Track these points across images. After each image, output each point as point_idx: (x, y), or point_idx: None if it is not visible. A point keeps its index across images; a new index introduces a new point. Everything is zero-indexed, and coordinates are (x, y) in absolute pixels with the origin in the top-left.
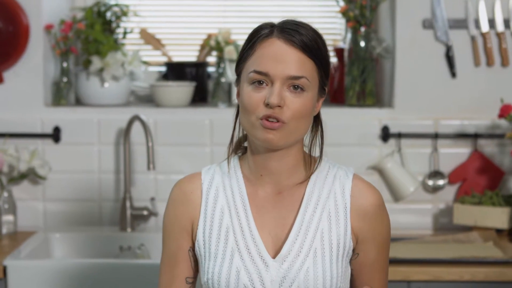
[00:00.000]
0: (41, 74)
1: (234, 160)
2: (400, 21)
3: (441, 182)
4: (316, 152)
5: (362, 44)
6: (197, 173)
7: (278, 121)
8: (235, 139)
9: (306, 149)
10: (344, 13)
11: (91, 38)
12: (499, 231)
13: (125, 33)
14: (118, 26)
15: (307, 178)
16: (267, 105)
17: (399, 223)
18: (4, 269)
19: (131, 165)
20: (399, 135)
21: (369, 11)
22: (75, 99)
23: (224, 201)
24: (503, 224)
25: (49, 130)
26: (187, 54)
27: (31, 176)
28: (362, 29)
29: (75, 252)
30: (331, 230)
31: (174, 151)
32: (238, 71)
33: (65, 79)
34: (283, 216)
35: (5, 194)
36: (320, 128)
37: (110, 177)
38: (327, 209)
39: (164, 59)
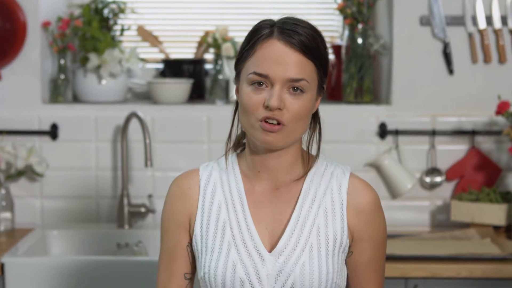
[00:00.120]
0: (38, 71)
1: (232, 157)
2: (398, 18)
3: (438, 179)
4: (314, 149)
5: (360, 41)
6: (195, 169)
7: (278, 123)
8: (233, 136)
9: (304, 146)
10: (342, 10)
11: (89, 35)
12: (496, 228)
13: (122, 30)
14: (115, 23)
15: (305, 174)
16: (267, 107)
17: (396, 220)
18: (2, 266)
19: (129, 162)
20: (397, 132)
21: (367, 8)
22: (73, 96)
23: (221, 196)
24: (500, 220)
25: (46, 127)
26: (185, 51)
27: (28, 173)
28: (360, 26)
29: (73, 249)
30: (327, 226)
31: (171, 148)
32: (238, 69)
33: (62, 76)
34: (279, 212)
35: (3, 191)
36: (318, 125)
37: (108, 174)
38: (324, 205)
39: (161, 56)
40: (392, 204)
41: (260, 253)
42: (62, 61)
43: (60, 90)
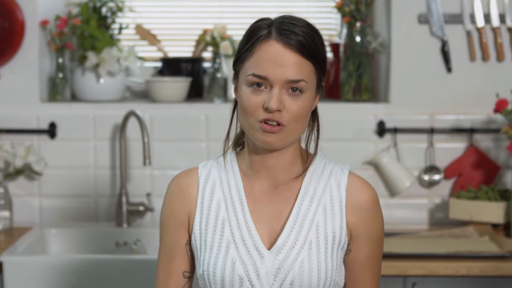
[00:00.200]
0: (36, 70)
1: (231, 155)
2: (396, 16)
3: (437, 177)
4: (312, 147)
5: (358, 39)
6: (194, 168)
7: (278, 124)
8: (231, 134)
9: (302, 144)
10: (340, 8)
11: (87, 34)
12: (494, 226)
13: (120, 28)
14: (113, 22)
15: (303, 172)
16: (266, 109)
17: (395, 218)
18: (0, 265)
19: (127, 160)
20: (395, 130)
21: (365, 6)
22: (71, 95)
23: (220, 194)
24: (498, 218)
25: (44, 126)
26: (183, 50)
27: (27, 172)
28: (358, 24)
29: (71, 248)
30: (326, 224)
31: (170, 146)
32: (236, 69)
33: (60, 75)
34: (279, 209)
35: (1, 190)
36: (316, 123)
37: (106, 172)
38: (323, 203)
39: (159, 55)
40: (390, 202)
41: (259, 251)
42: (60, 60)
43: (58, 88)
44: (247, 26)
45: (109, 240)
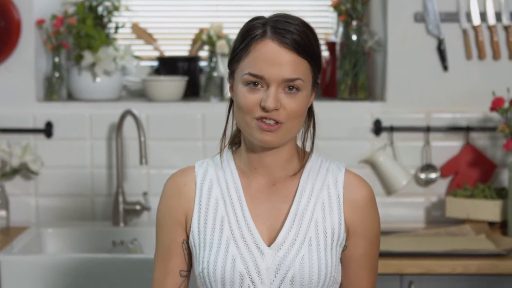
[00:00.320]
0: (32, 69)
1: (228, 154)
2: (392, 15)
3: (433, 175)
4: (308, 145)
5: (354, 37)
6: (190, 166)
7: (276, 122)
8: (228, 133)
9: (298, 142)
10: (336, 6)
11: (83, 33)
12: (491, 224)
13: (116, 27)
14: (109, 21)
15: (300, 170)
16: (263, 108)
17: (391, 216)
18: None
19: (124, 159)
20: (391, 129)
21: (361, 5)
22: (67, 94)
23: (218, 192)
24: (495, 216)
25: (41, 125)
26: (179, 49)
27: (23, 171)
28: (354, 22)
29: (68, 247)
30: (325, 220)
31: (166, 145)
32: (231, 69)
33: (57, 74)
34: (277, 207)
35: None
36: (312, 120)
37: (103, 172)
38: (321, 200)
39: (156, 54)
40: (387, 201)
41: (259, 247)
42: (56, 59)
43: (55, 88)
44: (244, 23)
45: (106, 239)
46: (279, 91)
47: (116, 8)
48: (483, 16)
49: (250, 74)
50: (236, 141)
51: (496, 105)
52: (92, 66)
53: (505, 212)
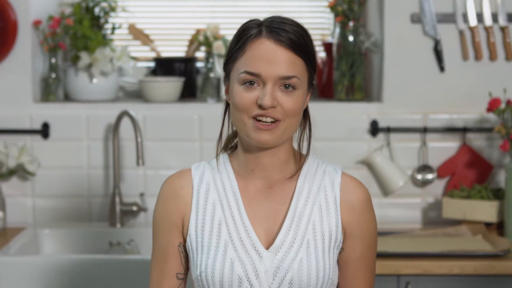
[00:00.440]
0: (29, 70)
1: (224, 157)
2: (388, 16)
3: (430, 176)
4: (305, 147)
5: (351, 38)
6: (187, 169)
7: (275, 120)
8: (223, 135)
9: (295, 144)
10: (333, 7)
11: (80, 34)
12: (488, 225)
13: (113, 28)
14: (106, 22)
15: (297, 172)
16: (260, 106)
17: (388, 217)
18: None
19: (120, 160)
20: (388, 130)
21: (358, 6)
22: (64, 95)
23: (215, 195)
24: (492, 217)
25: (37, 126)
26: (176, 50)
27: (20, 172)
28: (351, 23)
29: (65, 248)
30: (322, 222)
31: (163, 146)
32: (227, 70)
33: (53, 75)
34: (274, 209)
35: None
36: (308, 122)
37: (99, 172)
38: (318, 202)
39: (152, 55)
40: (384, 202)
41: (257, 250)
42: (53, 60)
43: (51, 88)
44: (239, 26)
45: (103, 240)
46: (275, 89)
47: (113, 9)
48: (480, 17)
49: (247, 72)
50: (231, 146)
51: (493, 106)
52: (89, 67)
53: (502, 213)
